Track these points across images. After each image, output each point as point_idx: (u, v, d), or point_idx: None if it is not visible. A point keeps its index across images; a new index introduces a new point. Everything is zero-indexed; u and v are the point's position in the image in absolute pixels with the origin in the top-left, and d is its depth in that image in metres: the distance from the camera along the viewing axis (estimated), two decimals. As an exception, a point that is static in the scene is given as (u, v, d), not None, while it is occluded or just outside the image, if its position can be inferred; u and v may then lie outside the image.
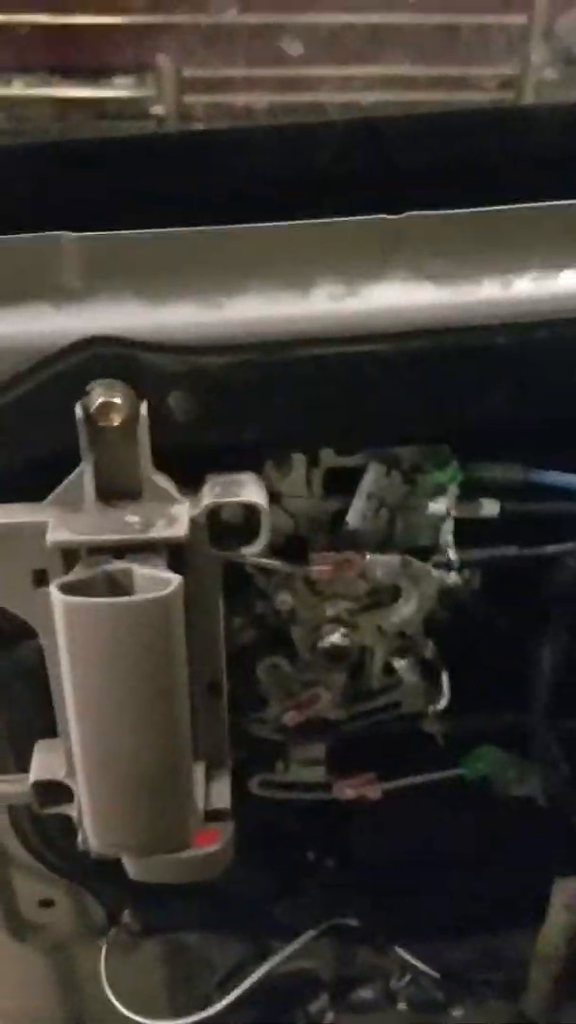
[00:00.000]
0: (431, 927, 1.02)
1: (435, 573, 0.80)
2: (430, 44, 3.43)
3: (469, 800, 0.92)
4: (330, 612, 0.81)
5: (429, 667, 0.86)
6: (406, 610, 0.81)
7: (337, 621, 0.81)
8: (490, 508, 0.79)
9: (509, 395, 0.71)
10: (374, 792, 0.90)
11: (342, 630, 0.81)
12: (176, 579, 0.66)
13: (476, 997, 1.05)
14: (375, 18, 3.16)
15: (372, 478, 0.77)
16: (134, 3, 3.10)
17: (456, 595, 0.81)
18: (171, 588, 0.65)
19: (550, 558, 0.78)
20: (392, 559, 0.79)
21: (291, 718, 0.86)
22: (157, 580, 0.67)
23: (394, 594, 0.81)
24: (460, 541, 0.80)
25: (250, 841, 0.83)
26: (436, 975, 1.04)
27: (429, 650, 0.83)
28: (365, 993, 1.10)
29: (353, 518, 0.78)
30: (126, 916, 1.05)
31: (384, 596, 0.82)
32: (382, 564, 0.79)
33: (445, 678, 0.85)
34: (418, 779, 0.91)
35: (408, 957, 1.04)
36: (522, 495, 0.78)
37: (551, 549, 0.78)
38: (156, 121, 3.36)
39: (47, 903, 1.06)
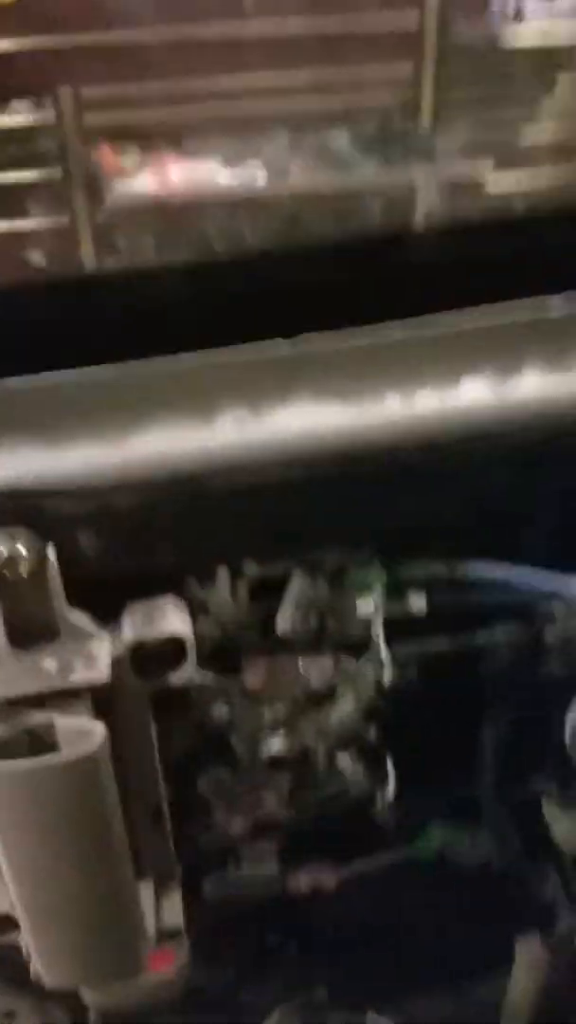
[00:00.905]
0: (400, 990, 1.01)
1: (370, 670, 0.78)
2: (329, 49, 3.41)
3: (427, 871, 0.91)
4: (268, 717, 0.80)
5: (374, 755, 0.84)
6: (343, 708, 0.80)
7: (276, 726, 0.79)
8: (417, 603, 0.78)
9: (419, 504, 0.69)
10: (329, 882, 0.89)
11: (283, 734, 0.80)
12: (100, 731, 0.64)
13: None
14: (268, 27, 3.13)
15: (297, 586, 0.76)
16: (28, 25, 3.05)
17: (394, 687, 0.80)
18: (95, 743, 0.63)
19: (483, 646, 0.77)
20: (325, 661, 0.78)
21: (238, 824, 0.84)
22: (81, 732, 0.65)
23: (331, 693, 0.80)
24: (395, 635, 0.78)
25: (209, 935, 0.81)
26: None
27: (372, 738, 0.82)
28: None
29: (283, 624, 0.77)
30: (92, 1021, 1.03)
31: (321, 696, 0.80)
32: (315, 666, 0.78)
33: (390, 764, 0.84)
34: (372, 864, 0.89)
35: (380, 1019, 1.03)
36: (452, 589, 0.77)
37: (480, 640, 0.77)
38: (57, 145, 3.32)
39: (10, 1015, 1.03)
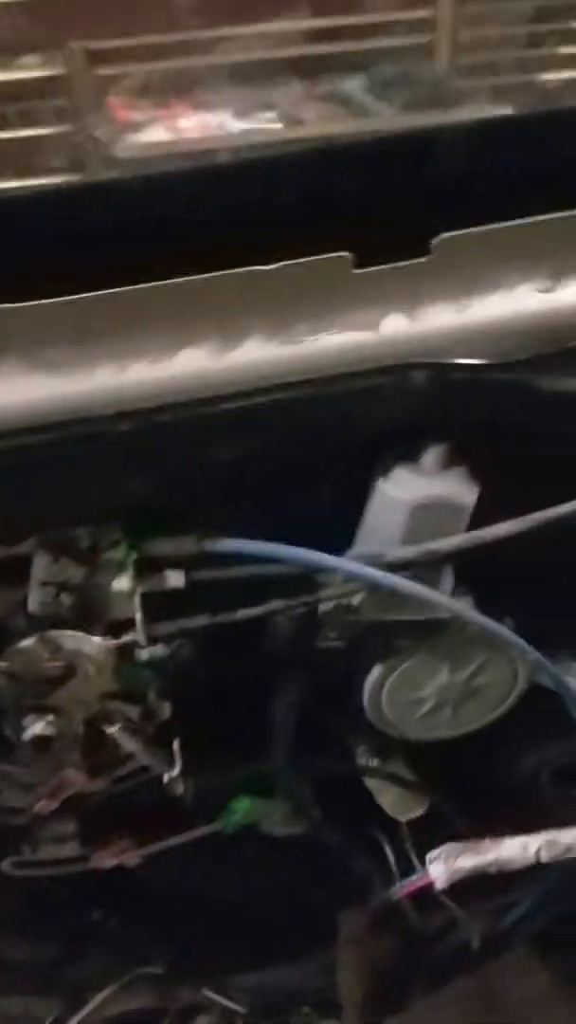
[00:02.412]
0: (233, 966, 1.01)
1: (132, 646, 0.77)
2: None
3: (238, 846, 0.90)
4: (29, 698, 0.79)
5: (154, 732, 0.83)
6: (105, 686, 0.79)
7: (37, 709, 0.79)
8: (175, 579, 0.76)
9: (142, 478, 0.68)
10: (131, 859, 0.89)
11: (48, 718, 0.79)
12: None
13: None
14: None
15: (40, 566, 0.75)
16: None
17: (161, 662, 0.79)
18: None
19: (260, 618, 0.76)
20: (83, 639, 0.77)
21: (43, 807, 0.84)
22: None
23: (92, 671, 0.79)
24: (156, 611, 0.77)
25: (22, 911, 0.81)
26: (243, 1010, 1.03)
27: (143, 716, 0.81)
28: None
29: (32, 605, 0.76)
30: None
31: (81, 674, 0.79)
32: (74, 643, 0.77)
33: (176, 743, 0.83)
34: (176, 840, 0.89)
35: (216, 997, 1.03)
36: (208, 564, 0.75)
37: (241, 615, 0.75)
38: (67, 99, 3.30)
39: None
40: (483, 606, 0.77)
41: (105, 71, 3.32)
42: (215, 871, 0.96)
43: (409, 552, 0.69)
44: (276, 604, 0.72)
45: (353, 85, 3.40)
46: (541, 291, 0.64)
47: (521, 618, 0.78)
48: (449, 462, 0.70)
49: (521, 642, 0.73)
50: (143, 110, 3.51)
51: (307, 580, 0.73)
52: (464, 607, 0.71)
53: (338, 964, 0.94)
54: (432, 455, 0.69)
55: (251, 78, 3.45)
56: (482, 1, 3.27)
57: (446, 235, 0.61)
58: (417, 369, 0.63)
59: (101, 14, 3.22)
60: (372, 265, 0.61)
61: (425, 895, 0.89)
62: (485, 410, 0.66)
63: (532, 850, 0.83)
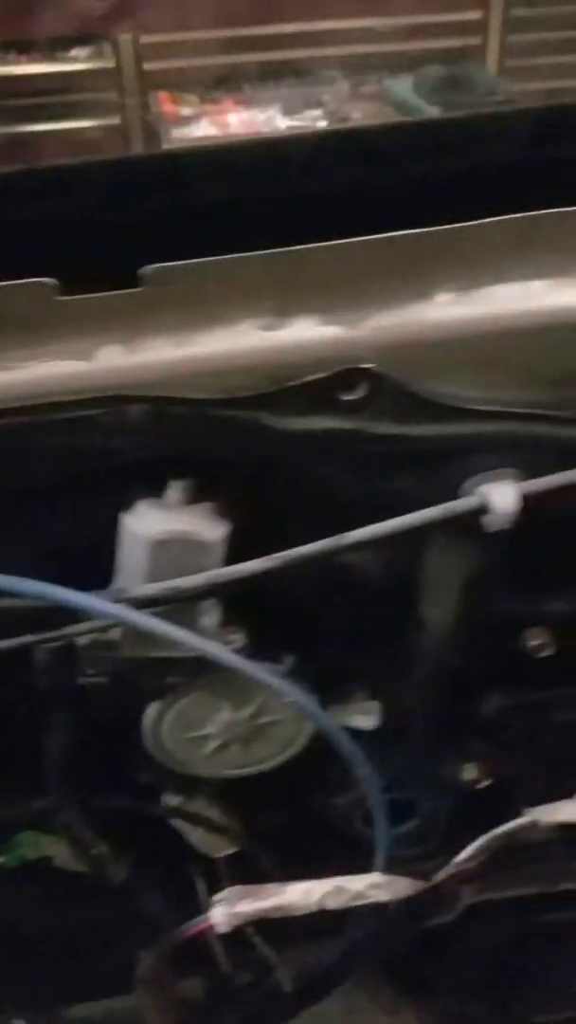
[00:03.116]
0: (45, 1000, 0.99)
1: None
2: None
3: (25, 881, 0.88)
4: None
5: None
6: None
7: None
8: None
9: None
10: None
11: None
12: None
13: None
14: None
15: None
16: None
17: None
18: None
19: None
20: None
21: None
22: None
23: None
24: None
25: None
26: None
27: None
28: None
29: None
30: None
31: None
32: None
33: None
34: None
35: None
36: None
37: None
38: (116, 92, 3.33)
39: None
40: (257, 644, 0.74)
41: (154, 65, 3.32)
42: (9, 904, 0.94)
43: (152, 589, 0.67)
44: (28, 638, 0.70)
45: (401, 85, 3.37)
46: (263, 328, 0.61)
47: (303, 656, 0.75)
48: (194, 498, 0.67)
49: (279, 681, 0.70)
50: (191, 105, 3.51)
51: (65, 614, 0.70)
52: (212, 645, 0.69)
53: (139, 1005, 0.92)
54: (174, 490, 0.67)
55: (299, 76, 3.44)
56: (532, 5, 3.21)
57: (157, 266, 0.59)
58: (133, 402, 0.61)
59: (150, 11, 3.22)
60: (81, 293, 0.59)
61: (237, 936, 0.87)
62: (209, 447, 0.64)
63: (315, 897, 0.80)
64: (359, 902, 0.81)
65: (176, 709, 0.75)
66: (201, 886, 0.88)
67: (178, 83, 3.42)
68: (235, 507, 0.67)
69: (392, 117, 3.37)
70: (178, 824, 0.87)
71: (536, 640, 0.75)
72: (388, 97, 3.40)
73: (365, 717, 0.80)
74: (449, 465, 0.65)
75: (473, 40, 3.31)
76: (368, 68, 3.39)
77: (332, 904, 0.80)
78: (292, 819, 0.87)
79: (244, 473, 0.65)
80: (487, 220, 0.59)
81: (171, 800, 0.83)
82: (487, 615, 0.74)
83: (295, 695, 0.69)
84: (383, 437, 0.64)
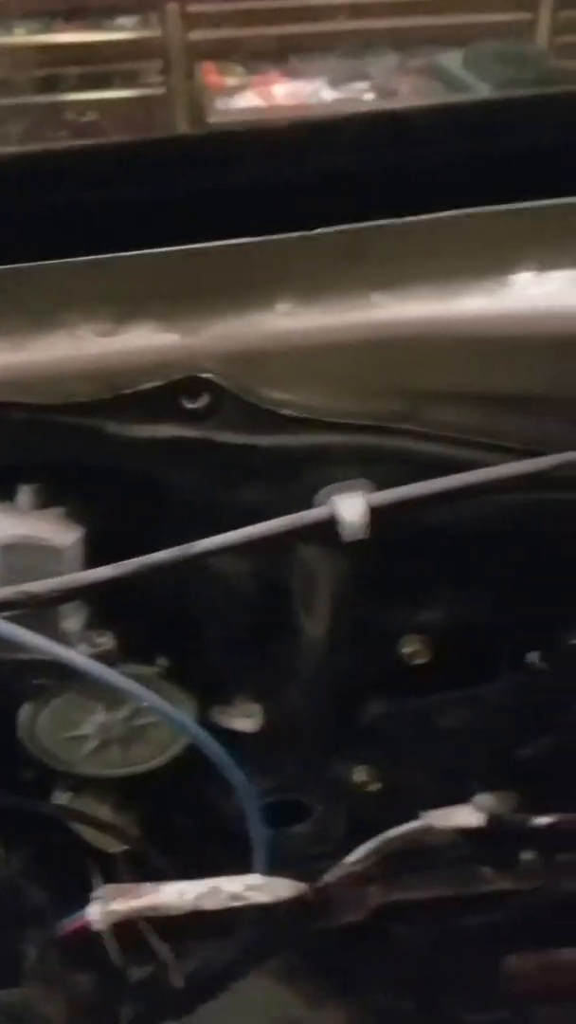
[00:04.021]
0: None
1: None
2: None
3: None
4: None
5: None
6: None
7: None
8: None
9: None
10: None
11: None
12: None
13: None
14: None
15: None
16: None
17: None
18: None
19: None
20: None
21: None
22: None
23: None
24: None
25: None
26: None
27: None
28: None
29: None
30: None
31: None
32: None
33: None
34: None
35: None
36: None
37: None
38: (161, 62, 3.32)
39: None
40: (129, 647, 0.74)
41: (200, 35, 3.30)
42: None
43: (1, 593, 0.67)
44: None
45: (450, 60, 3.31)
46: (101, 334, 0.60)
47: (178, 659, 0.75)
48: (44, 503, 0.67)
49: (131, 684, 0.70)
50: (237, 76, 3.49)
51: None
52: (59, 649, 0.68)
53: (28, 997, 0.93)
54: (23, 494, 0.67)
55: (347, 48, 3.40)
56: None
57: None
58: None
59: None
60: None
61: (130, 931, 0.87)
62: (55, 452, 0.63)
63: (189, 897, 0.80)
64: (237, 903, 0.80)
65: (50, 709, 0.76)
66: (98, 882, 0.88)
67: (224, 54, 3.39)
68: (88, 513, 0.66)
69: (441, 92, 3.31)
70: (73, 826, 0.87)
71: (410, 648, 0.74)
72: (437, 72, 3.34)
73: (247, 720, 0.79)
74: (302, 475, 0.64)
75: (524, 15, 3.24)
76: (417, 42, 3.34)
77: (209, 905, 0.80)
78: (187, 819, 0.86)
79: (95, 479, 0.64)
80: (324, 229, 0.58)
81: (60, 798, 0.83)
82: (360, 623, 0.73)
83: (150, 699, 0.69)
84: (231, 447, 0.63)
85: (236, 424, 0.62)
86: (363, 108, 3.29)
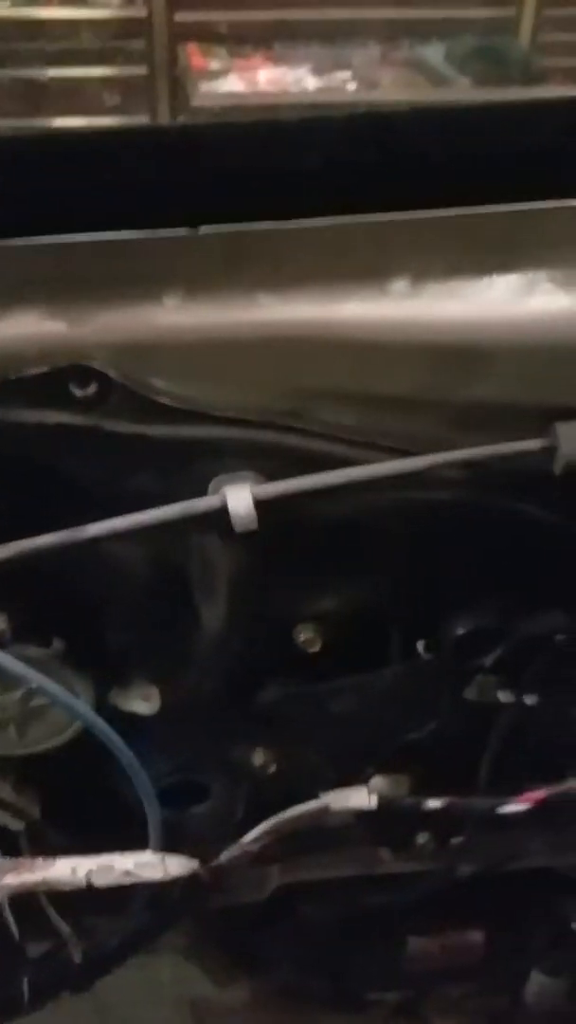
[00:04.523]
0: None
1: None
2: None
3: None
4: None
5: None
6: None
7: None
8: None
9: None
10: None
11: None
12: None
13: None
14: None
15: None
16: None
17: None
18: None
19: None
20: None
21: None
22: None
23: None
24: None
25: None
26: None
27: None
28: None
29: None
30: None
31: None
32: None
33: None
34: None
35: None
36: None
37: None
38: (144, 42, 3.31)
39: None
40: (24, 627, 0.75)
41: (186, 16, 3.31)
42: None
43: None
44: None
45: (432, 53, 3.33)
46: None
47: (75, 641, 0.76)
48: None
49: (26, 669, 0.71)
50: (220, 59, 3.49)
51: None
52: None
53: None
54: None
55: (331, 37, 3.41)
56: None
57: None
58: None
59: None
60: None
61: (29, 904, 0.89)
62: None
63: (81, 873, 0.82)
64: (129, 880, 0.82)
65: (-53, 686, 0.77)
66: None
67: (207, 36, 3.39)
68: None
69: (422, 85, 3.33)
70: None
71: (304, 635, 0.76)
72: (419, 64, 3.35)
73: (145, 703, 0.81)
74: (193, 466, 0.66)
75: (508, 12, 3.25)
76: (400, 33, 3.35)
77: (100, 881, 0.82)
78: (88, 798, 0.88)
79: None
80: (212, 227, 0.60)
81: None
82: (254, 610, 0.75)
83: (40, 681, 0.71)
84: (121, 436, 0.64)
85: (125, 413, 0.63)
86: (345, 97, 3.29)
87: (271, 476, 0.66)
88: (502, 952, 1.14)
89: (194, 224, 0.61)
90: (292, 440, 0.65)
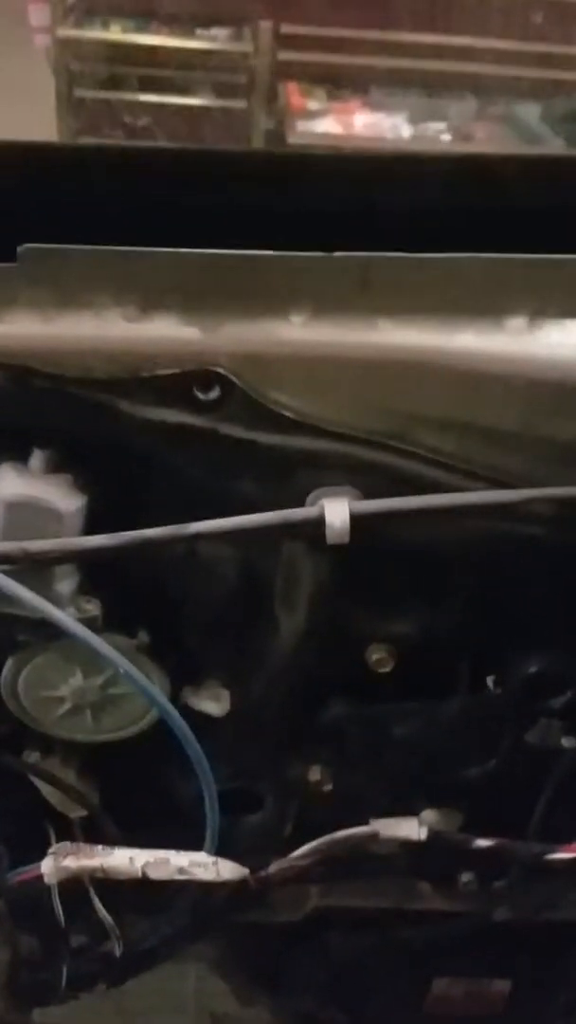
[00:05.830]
0: None
1: None
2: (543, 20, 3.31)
3: None
4: None
5: None
6: None
7: None
8: None
9: None
10: None
11: None
12: None
13: None
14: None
15: None
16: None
17: None
18: None
19: None
20: None
21: None
22: None
23: None
24: None
25: None
26: None
27: None
28: None
29: None
30: None
31: None
32: None
33: None
34: None
35: None
36: None
37: None
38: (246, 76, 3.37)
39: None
40: (113, 616, 0.78)
41: (289, 56, 3.37)
42: None
43: (2, 547, 0.71)
44: None
45: (528, 112, 3.36)
46: (126, 319, 0.65)
47: (158, 635, 0.79)
48: (54, 468, 0.71)
49: (111, 652, 0.73)
50: (319, 100, 3.54)
51: None
52: (49, 607, 0.72)
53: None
54: (36, 458, 0.71)
55: (429, 87, 3.45)
56: None
57: (33, 246, 0.63)
58: (-1, 369, 0.65)
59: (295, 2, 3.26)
60: None
61: (74, 894, 0.90)
62: (70, 422, 0.68)
63: (138, 864, 0.84)
64: (182, 877, 0.84)
65: (32, 666, 0.80)
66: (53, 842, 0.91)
67: (308, 76, 3.45)
68: (93, 483, 0.70)
69: (515, 141, 3.36)
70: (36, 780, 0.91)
71: (377, 655, 0.78)
72: (514, 122, 3.39)
73: (215, 704, 0.83)
74: (296, 476, 0.69)
75: (606, 76, 3.27)
76: (496, 90, 3.39)
77: (155, 874, 0.84)
78: (145, 794, 0.90)
79: (103, 453, 0.69)
80: (342, 253, 0.63)
81: (29, 756, 0.87)
82: (332, 624, 0.77)
83: (127, 668, 0.73)
84: (233, 440, 0.67)
85: (241, 419, 0.66)
86: (439, 148, 3.34)
87: (367, 494, 0.69)
88: (526, 1005, 1.13)
89: (309, 248, 0.64)
90: (393, 460, 0.67)
